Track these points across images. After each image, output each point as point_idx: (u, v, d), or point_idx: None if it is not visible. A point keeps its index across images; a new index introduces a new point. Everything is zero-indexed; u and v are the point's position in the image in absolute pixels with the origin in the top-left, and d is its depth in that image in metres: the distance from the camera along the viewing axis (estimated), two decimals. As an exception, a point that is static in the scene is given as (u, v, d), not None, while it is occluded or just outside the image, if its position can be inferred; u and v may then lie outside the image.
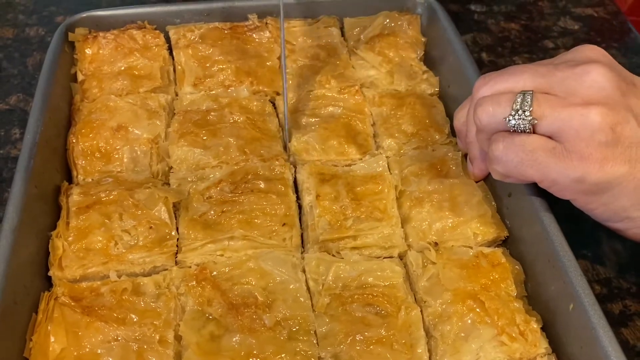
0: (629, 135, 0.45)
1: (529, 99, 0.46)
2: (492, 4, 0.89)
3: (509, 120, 0.47)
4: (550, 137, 0.47)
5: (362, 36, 0.72)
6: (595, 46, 0.50)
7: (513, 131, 0.47)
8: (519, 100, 0.47)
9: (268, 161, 0.59)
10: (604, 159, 0.45)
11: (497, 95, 0.49)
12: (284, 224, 0.54)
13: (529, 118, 0.46)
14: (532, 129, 0.47)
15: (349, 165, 0.60)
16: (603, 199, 0.47)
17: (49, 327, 0.46)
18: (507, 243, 0.56)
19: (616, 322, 0.53)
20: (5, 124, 0.70)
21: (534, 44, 0.83)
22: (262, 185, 0.57)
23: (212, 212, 0.55)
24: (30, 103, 0.71)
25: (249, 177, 0.57)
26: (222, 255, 0.53)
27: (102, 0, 0.86)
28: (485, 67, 0.78)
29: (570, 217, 0.51)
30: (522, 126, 0.47)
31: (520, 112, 0.47)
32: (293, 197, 0.57)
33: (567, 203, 0.49)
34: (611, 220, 0.49)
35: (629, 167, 0.45)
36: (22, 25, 0.82)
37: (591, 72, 0.46)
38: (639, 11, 0.92)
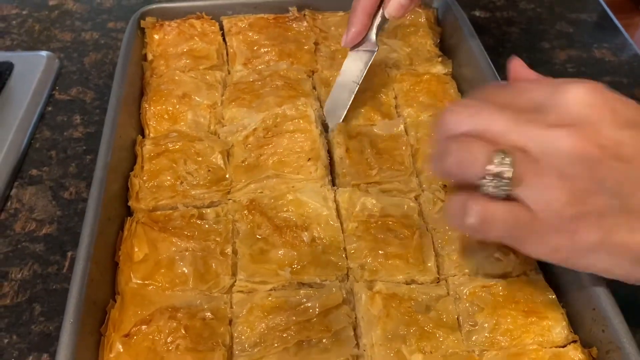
0: (602, 205, 0.41)
1: (508, 163, 0.41)
2: (495, 10, 1.00)
3: (485, 185, 0.42)
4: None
5: (385, 25, 0.83)
6: (582, 86, 0.42)
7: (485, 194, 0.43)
8: (496, 161, 0.41)
9: (294, 99, 0.70)
10: (575, 231, 0.42)
11: (469, 143, 0.43)
12: (309, 159, 0.64)
13: (507, 188, 0.42)
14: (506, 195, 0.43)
15: (372, 125, 0.71)
16: (582, 263, 0.45)
17: (133, 241, 0.58)
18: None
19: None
20: (67, 112, 0.81)
21: (531, 46, 0.93)
22: (289, 127, 0.67)
23: (252, 156, 0.65)
24: (88, 95, 0.83)
25: (278, 120, 0.67)
26: (262, 192, 0.63)
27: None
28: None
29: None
30: (498, 194, 0.42)
31: (498, 180, 0.42)
32: (317, 131, 0.66)
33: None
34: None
35: (602, 235, 0.42)
36: (78, 30, 0.94)
37: (561, 140, 0.40)
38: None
